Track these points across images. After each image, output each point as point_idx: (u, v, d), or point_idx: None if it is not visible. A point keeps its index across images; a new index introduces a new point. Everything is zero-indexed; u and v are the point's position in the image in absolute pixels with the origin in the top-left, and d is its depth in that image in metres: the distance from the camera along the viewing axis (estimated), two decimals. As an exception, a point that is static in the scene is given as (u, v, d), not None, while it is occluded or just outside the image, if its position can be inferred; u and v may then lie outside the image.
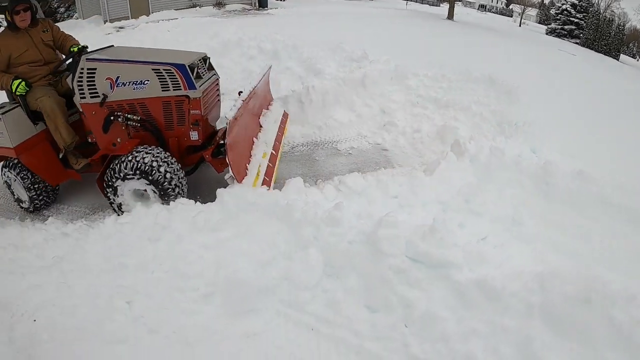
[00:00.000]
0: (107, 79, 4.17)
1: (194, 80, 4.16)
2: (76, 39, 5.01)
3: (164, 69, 4.11)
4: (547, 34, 44.32)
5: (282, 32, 10.58)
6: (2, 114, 4.49)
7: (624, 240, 3.75)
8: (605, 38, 40.66)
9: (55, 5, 47.29)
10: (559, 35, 43.64)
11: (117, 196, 4.27)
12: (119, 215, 4.29)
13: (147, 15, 24.36)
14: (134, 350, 2.97)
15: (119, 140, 4.44)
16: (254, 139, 4.68)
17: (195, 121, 4.33)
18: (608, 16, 46.87)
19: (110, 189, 4.24)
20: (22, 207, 5.07)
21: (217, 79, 4.84)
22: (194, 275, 3.32)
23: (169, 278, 3.36)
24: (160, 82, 4.14)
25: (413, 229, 2.94)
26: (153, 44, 12.87)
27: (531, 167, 4.51)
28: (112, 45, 4.83)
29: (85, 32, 20.69)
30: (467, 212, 3.90)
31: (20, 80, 4.48)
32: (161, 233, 3.68)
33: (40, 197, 4.92)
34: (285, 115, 5.72)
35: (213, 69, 4.83)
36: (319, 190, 4.15)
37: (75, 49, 4.57)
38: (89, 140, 4.61)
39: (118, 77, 4.16)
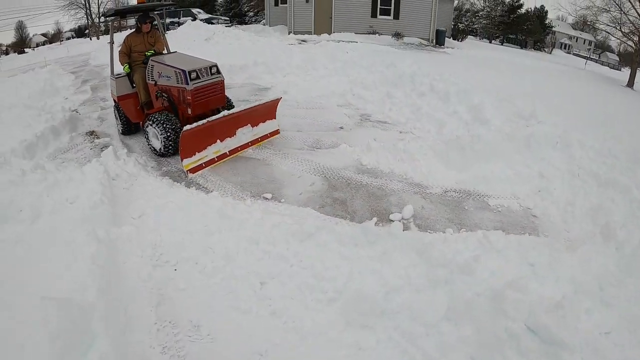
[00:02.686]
0: (157, 72, 7.55)
1: (189, 80, 7.05)
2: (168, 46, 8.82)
3: (176, 71, 7.17)
4: None
5: (455, 73, 10.80)
6: (116, 78, 8.33)
7: None
8: None
9: (245, 9, 51.23)
10: None
11: (147, 135, 7.60)
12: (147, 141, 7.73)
13: (329, 34, 25.69)
14: (251, 322, 3.68)
15: (161, 105, 7.65)
16: (218, 140, 7.19)
17: (189, 103, 7.20)
18: None
19: (145, 131, 7.63)
20: (118, 129, 9.10)
21: (220, 80, 7.60)
22: (327, 278, 3.92)
23: (304, 274, 4.05)
24: (176, 78, 7.22)
25: (540, 300, 3.13)
26: (331, 60, 13.76)
27: None
28: (176, 51, 8.59)
29: (272, 38, 22.43)
30: (599, 300, 3.87)
31: (127, 64, 8.16)
32: (309, 237, 4.37)
33: (126, 126, 8.82)
34: (273, 133, 8.20)
35: (219, 74, 7.61)
36: (460, 237, 4.44)
37: (149, 53, 7.97)
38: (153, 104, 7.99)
39: (161, 72, 7.47)
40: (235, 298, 3.94)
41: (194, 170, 6.76)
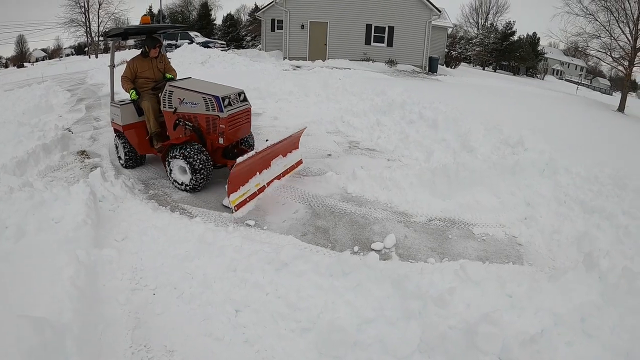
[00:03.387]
0: (178, 98, 6.89)
1: (223, 107, 6.52)
2: (179, 70, 8.40)
3: (206, 98, 6.61)
4: None
5: (445, 101, 10.85)
6: (121, 105, 7.63)
7: None
8: None
9: (243, 33, 51.91)
10: None
11: (170, 169, 6.93)
12: (171, 181, 7.09)
13: (323, 60, 26.08)
14: (224, 349, 3.69)
15: (181, 136, 6.97)
16: (257, 172, 6.75)
17: (222, 132, 6.68)
18: None
19: (167, 163, 6.93)
20: (120, 163, 8.26)
21: (248, 107, 7.18)
22: (301, 308, 3.91)
23: (278, 303, 4.03)
24: (205, 105, 6.65)
25: (515, 333, 3.07)
26: (323, 87, 13.86)
27: None
28: (190, 77, 7.89)
29: (267, 63, 22.63)
30: (580, 331, 3.79)
31: (133, 90, 7.47)
32: (285, 265, 4.36)
33: (131, 160, 8.04)
34: (298, 163, 7.92)
35: (246, 101, 7.18)
36: (437, 268, 4.40)
37: (168, 76, 7.70)
38: (167, 133, 7.38)
39: (184, 99, 6.83)
40: (210, 325, 3.93)
41: (240, 205, 6.28)
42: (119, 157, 8.22)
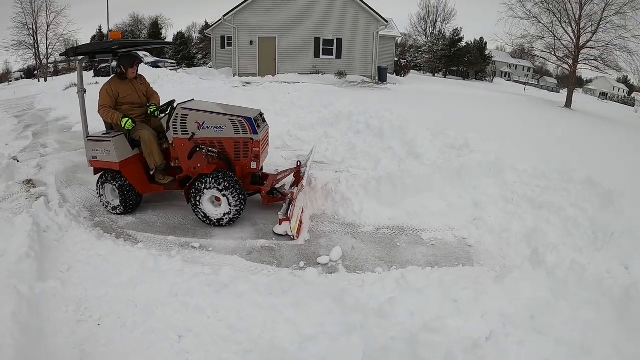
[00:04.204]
0: (195, 122, 6.06)
1: (256, 128, 6.00)
2: (159, 97, 7.21)
3: (235, 120, 5.98)
4: (671, 124, 41.50)
5: (392, 109, 10.84)
6: (112, 137, 6.32)
7: None
8: None
9: (194, 51, 51.62)
10: (684, 127, 40.67)
11: (200, 201, 6.08)
12: (201, 218, 6.25)
13: (273, 75, 26.04)
14: None
15: (199, 165, 6.23)
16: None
17: (256, 156, 6.14)
18: None
19: (195, 196, 6.07)
20: (111, 211, 6.82)
21: (268, 128, 6.69)
22: (241, 329, 3.80)
23: (219, 325, 3.92)
24: (233, 128, 6.00)
25: (460, 339, 2.97)
26: (272, 102, 13.76)
27: (613, 289, 4.12)
28: (193, 99, 6.80)
29: (217, 81, 22.42)
30: (531, 329, 3.73)
31: (128, 118, 6.29)
32: (225, 287, 4.25)
33: (130, 202, 6.67)
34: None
35: (265, 121, 6.66)
36: (378, 279, 4.28)
37: (153, 109, 6.70)
38: (172, 164, 6.59)
39: (204, 122, 6.04)
40: (154, 352, 3.79)
41: (299, 230, 5.96)
42: (107, 204, 6.83)
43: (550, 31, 25.23)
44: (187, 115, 6.07)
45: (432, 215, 6.42)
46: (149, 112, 6.74)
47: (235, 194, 5.95)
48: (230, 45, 28.99)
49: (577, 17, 23.71)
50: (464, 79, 52.79)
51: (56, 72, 56.74)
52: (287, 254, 5.51)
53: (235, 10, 27.17)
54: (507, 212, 6.43)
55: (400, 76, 35.21)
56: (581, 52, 24.34)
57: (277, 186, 6.88)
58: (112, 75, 6.71)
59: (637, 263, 5.02)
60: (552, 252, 4.71)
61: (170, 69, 27.50)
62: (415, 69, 54.74)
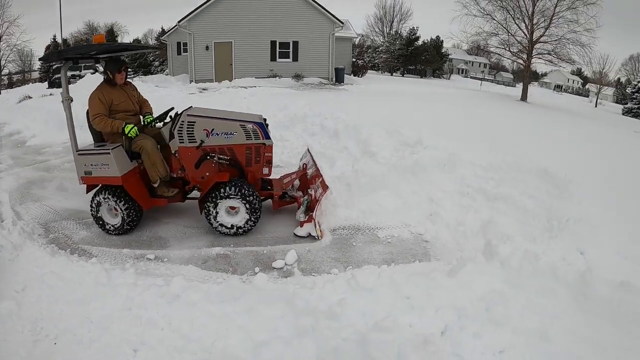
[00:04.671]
0: (203, 130, 5.75)
1: (269, 133, 5.95)
2: (150, 104, 6.79)
3: (246, 125, 5.82)
4: (623, 113, 42.95)
5: (347, 110, 10.83)
6: (112, 149, 5.77)
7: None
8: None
9: (151, 59, 50.83)
10: (636, 115, 42.11)
11: (217, 211, 5.85)
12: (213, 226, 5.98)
13: (230, 81, 25.77)
14: None
15: (207, 174, 5.98)
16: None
17: (268, 161, 6.04)
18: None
19: (212, 205, 5.82)
20: (110, 232, 6.20)
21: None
22: (195, 339, 3.73)
23: (173, 337, 3.84)
24: (245, 134, 5.82)
25: (411, 337, 2.92)
26: (228, 107, 13.55)
27: (568, 275, 4.20)
28: (191, 107, 6.09)
29: (173, 88, 22.05)
30: (486, 321, 3.73)
31: (132, 125, 5.82)
32: (176, 297, 4.17)
33: (132, 220, 6.08)
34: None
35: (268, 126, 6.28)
36: (329, 281, 4.24)
37: (150, 118, 6.37)
38: (174, 175, 6.19)
39: (213, 129, 5.76)
40: None
41: (322, 232, 5.93)
42: (104, 225, 6.23)
43: (504, 28, 25.86)
44: (194, 122, 5.75)
45: (388, 213, 6.41)
46: (145, 122, 6.38)
47: (255, 201, 5.84)
48: (186, 52, 28.60)
49: (530, 13, 24.36)
50: (421, 77, 53.47)
51: (10, 84, 54.90)
52: (242, 260, 5.40)
53: (190, 16, 26.76)
54: (463, 206, 6.47)
55: (358, 77, 35.35)
56: (535, 46, 24.96)
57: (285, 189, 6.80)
58: (101, 83, 6.13)
59: (593, 248, 5.04)
60: (506, 243, 4.75)
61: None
62: (373, 69, 55.13)
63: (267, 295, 3.77)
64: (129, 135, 5.79)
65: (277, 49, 28.22)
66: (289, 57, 28.54)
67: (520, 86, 36.47)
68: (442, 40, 60.42)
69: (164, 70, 42.33)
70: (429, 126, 9.15)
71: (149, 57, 51.22)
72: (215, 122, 5.79)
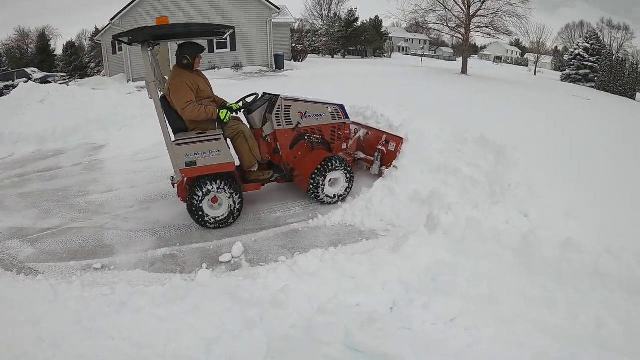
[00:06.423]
0: (298, 112, 6.25)
1: (347, 113, 6.68)
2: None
3: (331, 107, 6.52)
4: (562, 80, 44.51)
5: (293, 93, 10.70)
6: (217, 136, 5.57)
7: (620, 314, 3.40)
8: (620, 79, 40.07)
9: (87, 60, 49.21)
10: (574, 81, 43.76)
11: (324, 184, 6.29)
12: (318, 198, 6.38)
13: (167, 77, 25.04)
14: None
15: (299, 153, 6.44)
16: None
17: (347, 137, 6.89)
18: (621, 56, 46.59)
19: (321, 179, 6.22)
20: (214, 226, 5.85)
21: None
22: (146, 345, 3.58)
23: (124, 345, 3.67)
24: (331, 115, 6.50)
25: (356, 316, 2.90)
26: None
27: (512, 238, 4.22)
28: (257, 93, 6.66)
29: (110, 90, 21.35)
30: (434, 291, 3.75)
31: (226, 110, 5.71)
32: (123, 305, 3.99)
33: (241, 208, 5.93)
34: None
35: None
36: (271, 269, 4.20)
37: (236, 107, 6.14)
38: (264, 158, 6.41)
39: (306, 112, 6.30)
40: None
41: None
42: (206, 219, 5.82)
43: (441, 4, 26.25)
44: (290, 106, 6.25)
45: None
46: (235, 110, 6.12)
47: (352, 171, 6.53)
48: (122, 50, 27.77)
49: (466, -12, 24.74)
50: (362, 58, 53.81)
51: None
52: (189, 258, 5.27)
53: (123, 13, 25.91)
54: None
55: (298, 61, 35.20)
56: (472, 20, 25.47)
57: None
58: (177, 70, 5.81)
59: (535, 210, 5.16)
60: (447, 213, 4.74)
61: (61, 83, 25.86)
62: (314, 52, 55.05)
63: (212, 291, 3.69)
64: (224, 121, 5.66)
65: (214, 40, 27.75)
66: (226, 47, 28.16)
67: (460, 60, 37.10)
68: (381, 20, 60.93)
69: (101, 72, 41.05)
70: (376, 102, 9.10)
71: (84, 59, 49.62)
72: (307, 105, 6.39)
